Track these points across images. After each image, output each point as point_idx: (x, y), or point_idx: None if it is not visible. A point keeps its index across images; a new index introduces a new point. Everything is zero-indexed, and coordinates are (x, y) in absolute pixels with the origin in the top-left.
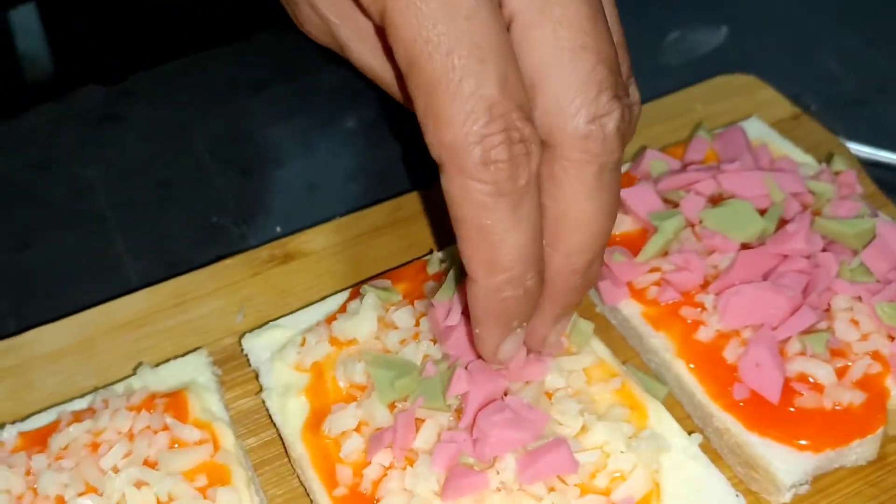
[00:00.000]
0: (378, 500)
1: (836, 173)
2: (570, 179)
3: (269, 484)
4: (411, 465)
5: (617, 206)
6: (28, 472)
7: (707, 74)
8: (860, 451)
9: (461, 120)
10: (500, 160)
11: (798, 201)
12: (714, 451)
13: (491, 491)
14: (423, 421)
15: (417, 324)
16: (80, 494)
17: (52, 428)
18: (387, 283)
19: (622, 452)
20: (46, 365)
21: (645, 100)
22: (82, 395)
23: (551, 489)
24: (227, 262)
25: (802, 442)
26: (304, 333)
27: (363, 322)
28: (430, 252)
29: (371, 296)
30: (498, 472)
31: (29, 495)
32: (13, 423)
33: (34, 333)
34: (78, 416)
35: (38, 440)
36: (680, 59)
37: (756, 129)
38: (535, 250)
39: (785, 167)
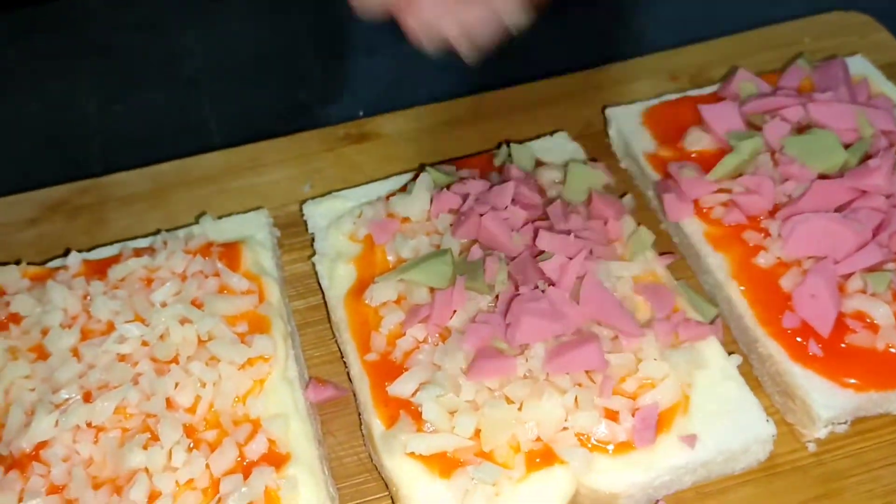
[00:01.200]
0: (406, 370)
1: None
2: None
3: (308, 345)
4: (443, 342)
5: None
6: (85, 296)
7: (825, 8)
8: None
9: None
10: None
11: (888, 140)
12: (755, 380)
13: (517, 377)
14: (461, 301)
15: None
16: (128, 322)
17: (113, 260)
18: (451, 168)
19: (655, 360)
20: (121, 207)
21: (753, 26)
22: (146, 236)
23: (577, 384)
24: (304, 134)
25: (847, 379)
26: (362, 206)
27: (416, 200)
28: (500, 145)
29: (426, 176)
30: (526, 360)
31: (83, 316)
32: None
33: (115, 177)
34: (138, 253)
35: (100, 269)
36: None
37: (859, 66)
38: None
39: (880, 105)
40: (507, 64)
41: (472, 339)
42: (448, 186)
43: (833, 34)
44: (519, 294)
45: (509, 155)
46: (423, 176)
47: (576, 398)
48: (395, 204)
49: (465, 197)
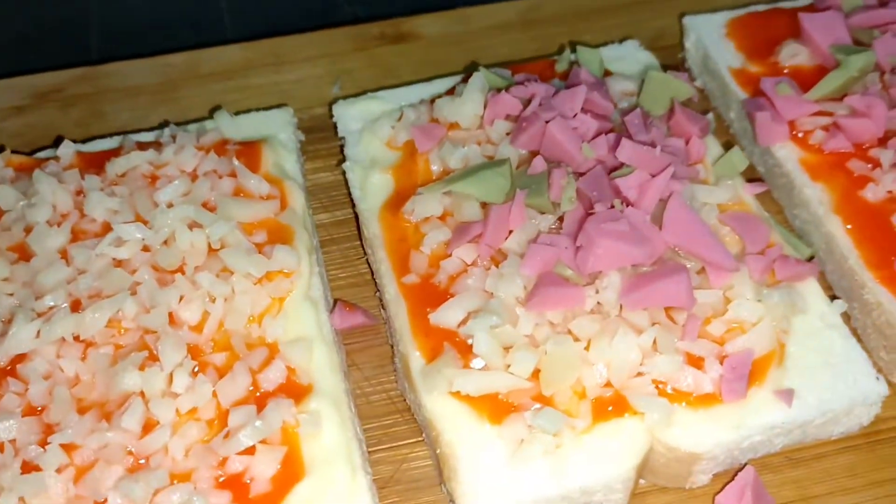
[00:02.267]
0: (451, 295)
1: None
2: None
3: (333, 264)
4: (496, 266)
5: None
6: (78, 192)
7: None
8: None
9: None
10: None
11: None
12: (856, 333)
13: (584, 311)
14: (520, 219)
15: None
16: (128, 223)
17: (113, 153)
18: (506, 72)
19: (748, 300)
20: (123, 99)
21: None
22: (150, 130)
23: (655, 323)
24: (333, 31)
25: None
26: (403, 109)
27: (468, 103)
28: (562, 49)
29: (480, 76)
30: (598, 291)
31: (74, 214)
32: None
33: (116, 65)
34: (142, 147)
35: (96, 163)
36: None
37: None
38: None
39: None
40: None
41: (533, 264)
42: (506, 89)
43: None
44: (592, 213)
45: (575, 60)
46: (475, 76)
47: (654, 339)
48: (442, 107)
49: (526, 102)
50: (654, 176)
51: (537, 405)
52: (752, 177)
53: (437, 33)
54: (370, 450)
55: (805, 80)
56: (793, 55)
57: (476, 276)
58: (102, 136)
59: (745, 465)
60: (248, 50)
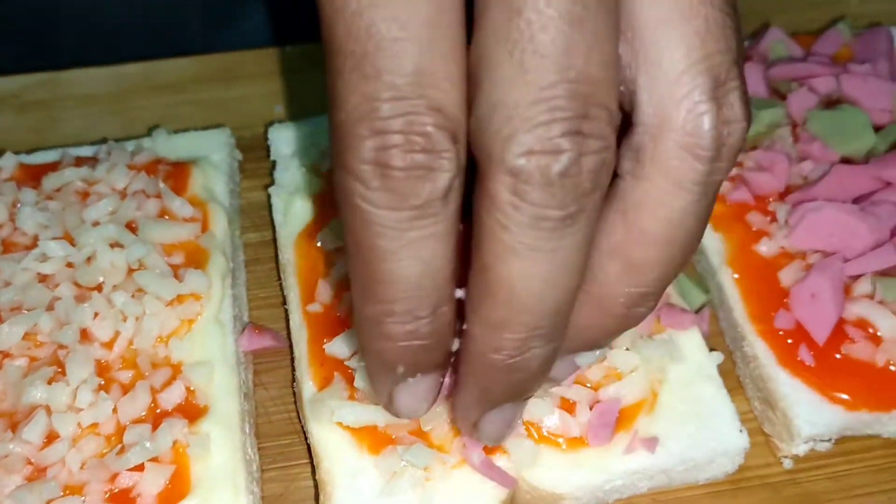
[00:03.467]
0: (349, 327)
1: None
2: (490, 223)
3: (255, 283)
4: None
5: (573, 281)
6: (15, 204)
7: None
8: None
9: (357, 103)
10: (393, 167)
11: None
12: (737, 381)
13: None
14: None
15: None
16: (55, 238)
17: (51, 167)
18: None
19: (625, 351)
20: (77, 107)
21: None
22: (92, 143)
23: None
24: (288, 49)
25: (837, 394)
26: None
27: None
28: None
29: None
30: None
31: (8, 226)
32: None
33: (75, 73)
34: (80, 162)
35: (35, 176)
36: None
37: None
38: (430, 286)
39: None
40: None
41: None
42: None
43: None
44: None
45: None
46: None
47: None
48: None
49: None
50: None
51: (413, 439)
52: None
53: None
54: (265, 467)
55: None
56: None
57: None
58: (52, 147)
59: None
60: (201, 63)
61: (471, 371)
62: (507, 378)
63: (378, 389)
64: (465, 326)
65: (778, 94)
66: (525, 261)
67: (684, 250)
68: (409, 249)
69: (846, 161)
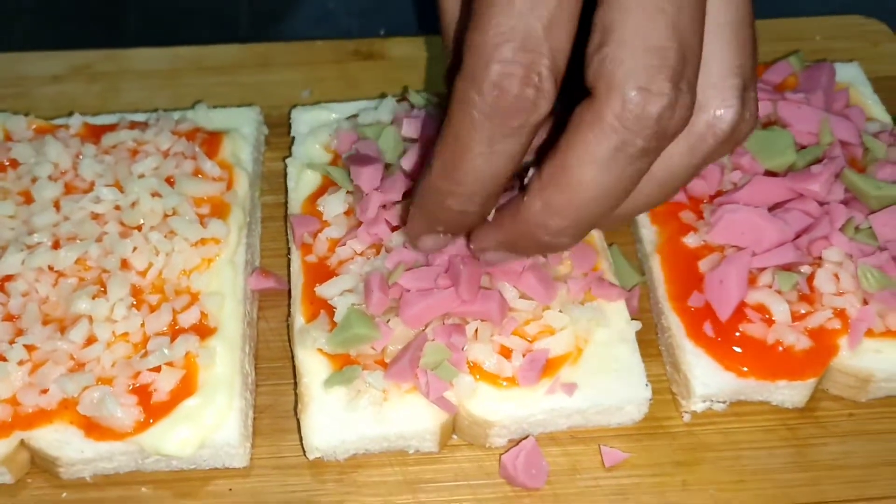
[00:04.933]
0: (336, 275)
1: None
2: (589, 134)
3: (267, 237)
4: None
5: (620, 199)
6: (78, 155)
7: (851, 9)
8: (787, 393)
9: (496, 33)
10: (507, 91)
11: (846, 151)
12: (657, 347)
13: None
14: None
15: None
16: (107, 185)
17: (110, 128)
18: (432, 97)
19: (558, 313)
20: (136, 80)
21: (776, 14)
22: (148, 111)
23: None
24: (318, 43)
25: (730, 363)
26: (339, 120)
27: (380, 117)
28: None
29: (390, 100)
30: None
31: (71, 173)
32: (84, 115)
33: (137, 51)
34: (133, 125)
35: (96, 134)
36: None
37: (851, 74)
38: (494, 187)
39: (852, 116)
40: None
41: (394, 258)
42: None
43: (845, 37)
44: None
45: None
46: (388, 99)
47: (476, 330)
48: (362, 119)
49: (430, 126)
50: None
51: (377, 367)
52: None
53: (400, 55)
54: (259, 383)
55: None
56: None
57: (358, 263)
58: (113, 112)
59: (528, 435)
60: (244, 50)
61: (512, 226)
62: (534, 246)
63: (412, 232)
64: (519, 190)
65: None
66: (600, 172)
67: (674, 187)
68: (492, 155)
69: (770, 174)
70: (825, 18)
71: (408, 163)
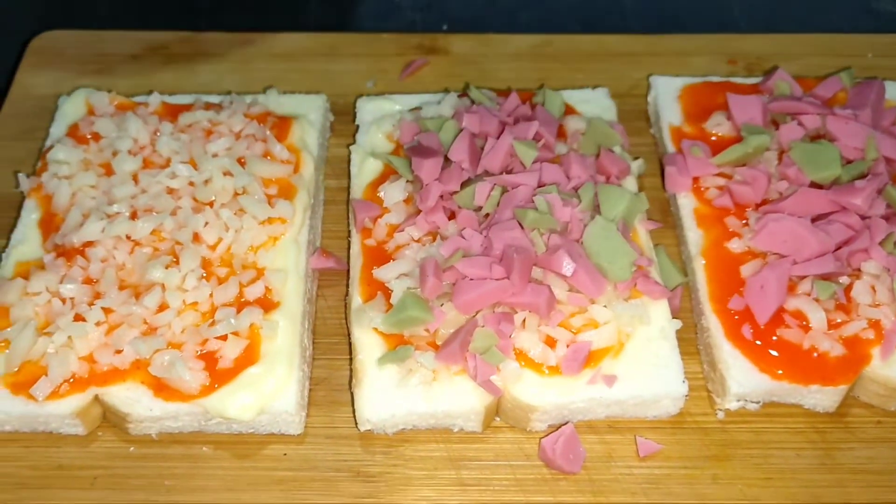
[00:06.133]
0: (393, 259)
1: None
2: None
3: (330, 219)
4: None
5: None
6: (156, 132)
7: None
8: (818, 398)
9: None
10: None
11: (891, 168)
12: (696, 346)
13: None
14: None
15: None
16: (182, 162)
17: (186, 107)
18: (492, 94)
19: (602, 307)
20: (210, 62)
21: (833, 29)
22: (221, 94)
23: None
24: (384, 35)
25: (765, 365)
26: (403, 112)
27: (442, 111)
28: (542, 86)
29: (453, 95)
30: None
31: (149, 149)
32: (162, 94)
33: (212, 35)
34: (209, 106)
35: (174, 113)
36: (891, 7)
37: None
38: None
39: None
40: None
41: (450, 246)
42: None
43: None
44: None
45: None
46: (450, 95)
47: (524, 320)
48: (424, 112)
49: (489, 121)
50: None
51: (429, 348)
52: (668, 214)
53: (462, 52)
54: (316, 357)
55: (721, 147)
56: (717, 125)
57: (414, 248)
58: (188, 92)
59: (568, 422)
60: (313, 39)
61: None
62: None
63: None
64: None
65: (776, 124)
66: None
67: None
68: None
69: (815, 186)
70: (878, 36)
71: (456, 153)
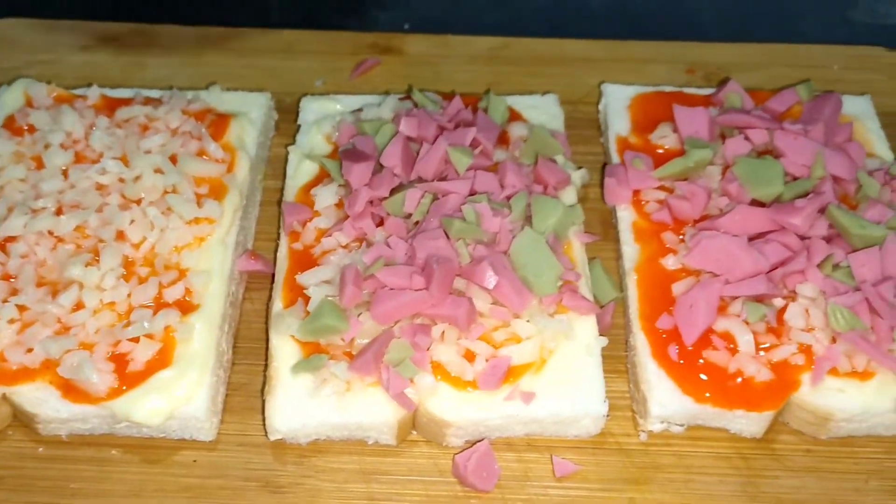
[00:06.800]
0: (318, 265)
1: (892, 177)
2: None
3: (264, 220)
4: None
5: None
6: (91, 126)
7: (891, 43)
8: (744, 423)
9: None
10: None
11: (839, 187)
12: (625, 364)
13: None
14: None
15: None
16: (114, 158)
17: (125, 102)
18: (437, 97)
19: (525, 322)
20: (162, 55)
21: (796, 40)
22: (163, 88)
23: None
24: (339, 34)
25: (689, 388)
26: (343, 114)
27: (381, 114)
28: (488, 91)
29: (393, 98)
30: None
31: (83, 143)
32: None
33: (165, 27)
34: (148, 101)
35: (111, 107)
36: (867, 18)
37: (861, 107)
38: None
39: (851, 151)
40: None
41: (372, 254)
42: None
43: (863, 68)
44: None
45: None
46: (391, 97)
47: (443, 333)
48: (364, 114)
49: (428, 125)
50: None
51: (345, 358)
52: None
53: (417, 52)
54: (237, 361)
55: (667, 160)
56: (662, 136)
57: (340, 255)
58: (136, 86)
59: (483, 439)
60: (268, 36)
61: None
62: None
63: None
64: None
65: (724, 137)
66: None
67: None
68: None
69: (757, 203)
70: (846, 48)
71: (388, 158)
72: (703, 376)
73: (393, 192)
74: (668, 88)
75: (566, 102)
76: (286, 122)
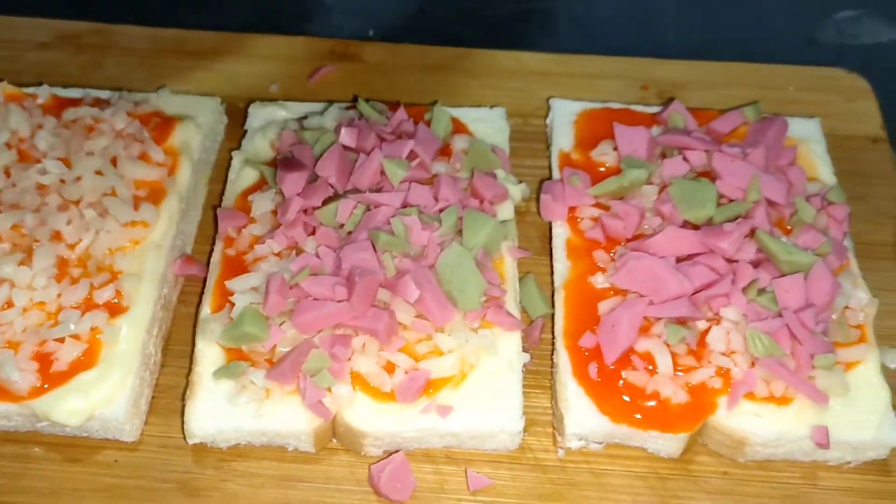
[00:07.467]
0: (248, 270)
1: (829, 203)
2: None
3: (206, 224)
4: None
5: None
6: (39, 126)
7: (855, 65)
8: (660, 443)
9: None
10: None
11: (774, 211)
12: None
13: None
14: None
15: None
16: (57, 159)
17: (74, 102)
18: (383, 107)
19: (447, 336)
20: (119, 56)
21: (757, 59)
22: (118, 88)
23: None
24: (297, 39)
25: (606, 407)
26: (288, 121)
27: (324, 122)
28: (435, 102)
29: (336, 108)
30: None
31: (28, 142)
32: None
33: (124, 28)
34: (96, 103)
35: (60, 107)
36: (833, 39)
37: (808, 130)
38: None
39: (791, 176)
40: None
41: (300, 262)
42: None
43: (820, 90)
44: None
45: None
46: (333, 106)
47: (363, 344)
48: (307, 123)
49: (367, 136)
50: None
51: (266, 365)
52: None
53: (375, 60)
54: (167, 363)
55: (606, 177)
56: (602, 154)
57: (271, 262)
58: (92, 86)
59: (399, 451)
60: (225, 39)
61: None
62: None
63: None
64: None
65: (664, 157)
66: None
67: None
68: None
69: (689, 225)
70: (804, 68)
71: (323, 168)
72: (623, 397)
73: (327, 201)
74: (615, 105)
75: (517, 115)
76: (237, 126)
